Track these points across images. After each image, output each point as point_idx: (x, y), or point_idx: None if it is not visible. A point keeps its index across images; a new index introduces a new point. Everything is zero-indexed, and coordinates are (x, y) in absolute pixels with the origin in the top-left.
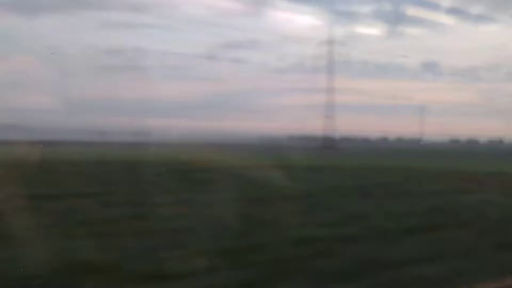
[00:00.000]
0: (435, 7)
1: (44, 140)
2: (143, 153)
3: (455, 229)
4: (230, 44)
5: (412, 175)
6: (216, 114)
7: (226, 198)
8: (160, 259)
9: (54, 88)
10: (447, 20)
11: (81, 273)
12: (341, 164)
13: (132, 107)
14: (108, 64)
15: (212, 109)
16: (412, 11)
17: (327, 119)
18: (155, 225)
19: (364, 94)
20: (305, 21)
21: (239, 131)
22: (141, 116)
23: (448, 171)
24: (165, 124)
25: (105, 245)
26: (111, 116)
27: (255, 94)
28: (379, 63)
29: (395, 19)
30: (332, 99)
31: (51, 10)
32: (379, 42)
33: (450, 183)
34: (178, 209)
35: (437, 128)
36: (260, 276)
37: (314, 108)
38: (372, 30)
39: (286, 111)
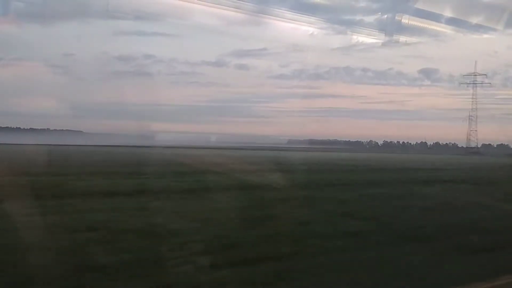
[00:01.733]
0: (436, 17)
1: (60, 144)
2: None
3: None
4: (237, 52)
5: None
6: (227, 118)
7: None
8: None
9: (66, 93)
10: (448, 29)
11: None
12: None
13: (141, 111)
14: (118, 70)
15: (224, 114)
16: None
17: (471, 130)
18: None
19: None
20: (310, 30)
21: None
22: (148, 120)
23: None
24: (170, 128)
25: None
26: (120, 120)
27: (263, 99)
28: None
29: (396, 28)
30: (475, 114)
31: (66, 19)
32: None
33: None
34: None
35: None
36: None
37: (315, 112)
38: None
39: (286, 116)
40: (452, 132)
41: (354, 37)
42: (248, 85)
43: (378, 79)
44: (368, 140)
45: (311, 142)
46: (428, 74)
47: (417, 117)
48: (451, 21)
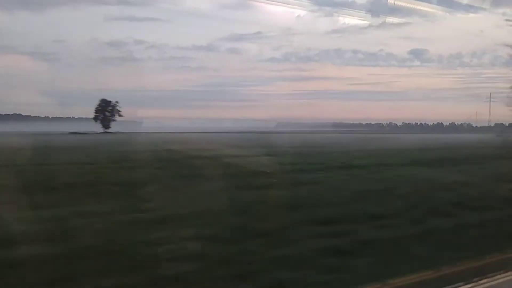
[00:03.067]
0: None
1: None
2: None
3: None
4: (229, 37)
5: None
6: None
7: None
8: None
9: (55, 79)
10: (438, 10)
11: None
12: None
13: (129, 97)
14: (109, 56)
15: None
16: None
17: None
18: None
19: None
20: (302, 13)
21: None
22: (137, 106)
23: None
24: (158, 114)
25: None
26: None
27: (252, 83)
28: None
29: (388, 10)
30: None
31: (57, 5)
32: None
33: None
34: None
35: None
36: None
37: (304, 95)
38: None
39: (275, 99)
40: (454, 112)
41: (346, 19)
42: (238, 69)
43: (368, 60)
44: (388, 122)
45: (335, 125)
46: (418, 54)
47: (410, 98)
48: (441, 1)
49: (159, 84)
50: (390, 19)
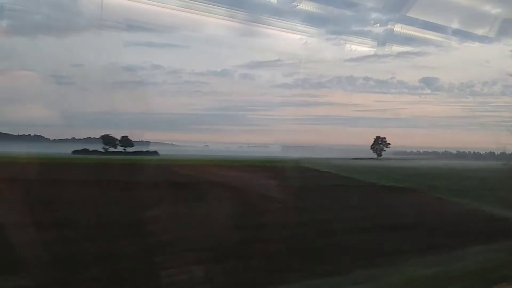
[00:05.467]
0: (442, 29)
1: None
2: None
3: None
4: (247, 64)
5: None
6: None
7: None
8: None
9: (70, 102)
10: (452, 40)
11: None
12: None
13: (138, 120)
14: (124, 81)
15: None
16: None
17: None
18: None
19: None
20: (320, 42)
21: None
22: (144, 129)
23: None
24: (168, 138)
25: None
26: (120, 129)
27: (260, 108)
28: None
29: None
30: None
31: (79, 31)
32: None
33: None
34: None
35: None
36: None
37: (311, 120)
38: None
39: (281, 124)
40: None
41: (361, 48)
42: (249, 94)
43: (379, 87)
44: (444, 150)
45: (396, 153)
46: (428, 83)
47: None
48: (456, 32)
49: (170, 107)
50: (404, 48)
